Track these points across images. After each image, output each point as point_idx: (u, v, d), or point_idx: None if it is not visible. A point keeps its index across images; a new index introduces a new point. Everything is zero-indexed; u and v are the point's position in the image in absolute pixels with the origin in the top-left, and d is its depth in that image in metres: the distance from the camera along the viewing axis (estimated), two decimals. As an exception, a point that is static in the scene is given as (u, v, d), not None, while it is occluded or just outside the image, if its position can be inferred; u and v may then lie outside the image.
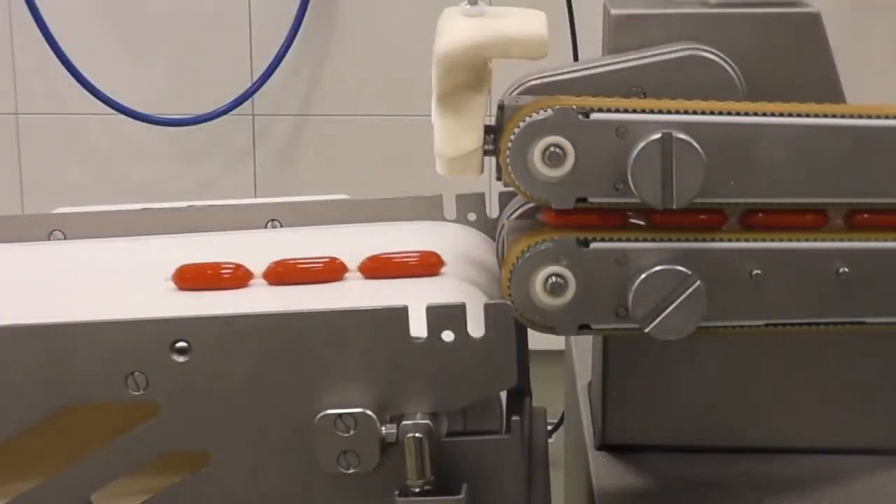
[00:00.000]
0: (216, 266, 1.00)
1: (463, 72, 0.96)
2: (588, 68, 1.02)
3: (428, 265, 1.00)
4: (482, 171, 0.98)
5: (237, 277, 0.99)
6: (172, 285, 0.99)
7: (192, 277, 0.99)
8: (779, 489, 1.08)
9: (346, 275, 1.00)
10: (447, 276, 1.00)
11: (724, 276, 0.97)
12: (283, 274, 1.00)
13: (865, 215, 0.99)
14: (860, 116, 0.97)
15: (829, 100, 1.01)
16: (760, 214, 0.99)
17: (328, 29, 2.31)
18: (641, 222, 0.98)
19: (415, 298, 0.87)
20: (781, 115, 0.97)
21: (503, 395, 0.90)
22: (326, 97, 2.33)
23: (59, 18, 2.28)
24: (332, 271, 1.00)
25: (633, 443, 1.13)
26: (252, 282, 1.00)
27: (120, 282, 1.03)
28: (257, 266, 1.00)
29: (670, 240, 0.97)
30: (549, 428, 1.69)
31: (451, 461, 0.87)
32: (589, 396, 1.22)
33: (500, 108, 0.97)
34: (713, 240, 0.97)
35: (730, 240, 0.98)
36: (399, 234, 1.12)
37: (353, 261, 1.01)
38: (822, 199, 0.98)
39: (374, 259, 1.01)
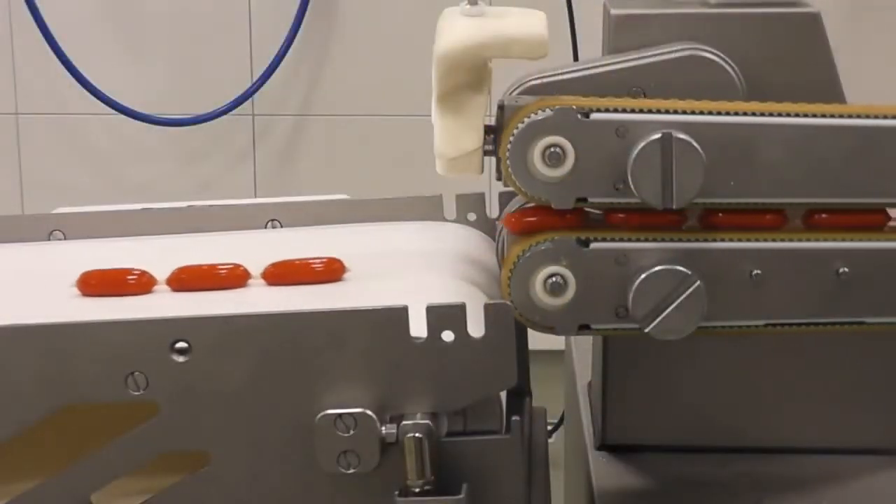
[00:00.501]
0: (121, 272, 1.00)
1: (463, 72, 0.96)
2: (588, 68, 1.02)
3: (331, 271, 1.00)
4: (482, 171, 0.98)
5: (141, 284, 0.99)
6: (76, 291, 0.99)
7: (97, 283, 0.99)
8: (779, 489, 1.08)
9: (249, 281, 1.00)
10: (349, 282, 1.00)
11: (724, 276, 0.97)
12: (186, 280, 0.99)
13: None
14: (860, 116, 0.97)
15: (829, 100, 1.01)
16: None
17: (328, 29, 2.31)
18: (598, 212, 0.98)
19: (314, 305, 0.87)
20: (781, 115, 0.97)
21: (503, 395, 0.90)
22: (326, 97, 2.33)
23: (59, 18, 2.28)
24: (234, 277, 1.00)
25: (633, 443, 1.13)
26: (155, 288, 0.99)
27: (29, 287, 1.03)
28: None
29: (670, 240, 0.97)
30: (549, 428, 1.69)
31: (451, 461, 0.87)
32: (589, 396, 1.22)
33: (500, 108, 0.97)
34: (713, 240, 0.97)
35: (730, 240, 0.98)
36: (399, 234, 1.12)
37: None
38: (822, 199, 0.98)
39: (277, 265, 1.00)
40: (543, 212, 0.97)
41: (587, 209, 0.98)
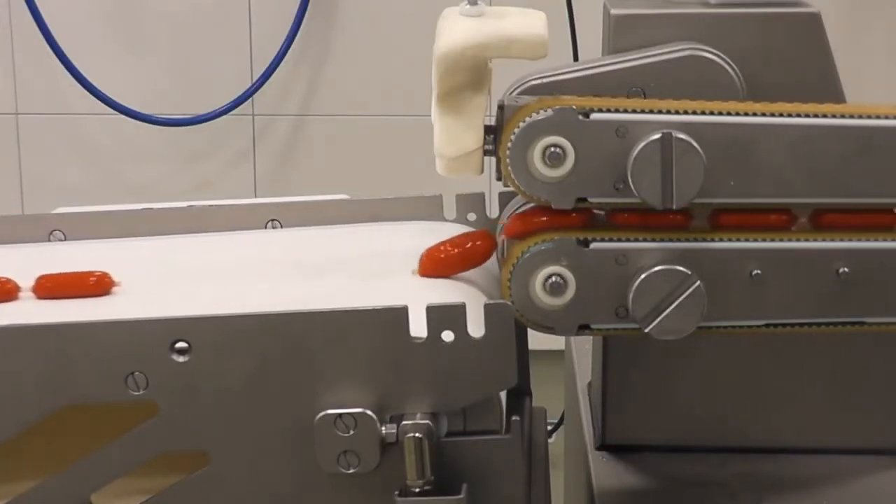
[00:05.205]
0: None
1: (463, 72, 0.96)
2: (588, 68, 1.02)
3: (101, 284, 0.98)
4: (482, 171, 0.98)
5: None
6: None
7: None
8: (779, 489, 1.08)
9: (20, 294, 0.98)
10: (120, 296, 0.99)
11: (724, 276, 0.97)
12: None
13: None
14: (860, 116, 0.97)
15: (829, 100, 1.01)
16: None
17: (328, 29, 2.31)
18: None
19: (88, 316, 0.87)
20: (781, 115, 0.97)
21: (503, 395, 0.90)
22: (326, 97, 2.33)
23: (59, 18, 2.28)
24: (3, 293, 0.98)
25: (633, 443, 1.13)
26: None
27: None
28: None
29: (670, 240, 0.97)
30: (549, 428, 1.69)
31: (451, 461, 0.87)
32: (589, 396, 1.22)
33: (500, 108, 0.97)
34: (713, 240, 0.97)
35: (730, 240, 0.98)
36: (398, 234, 1.12)
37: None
38: (822, 199, 0.98)
39: (46, 278, 0.98)
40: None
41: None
